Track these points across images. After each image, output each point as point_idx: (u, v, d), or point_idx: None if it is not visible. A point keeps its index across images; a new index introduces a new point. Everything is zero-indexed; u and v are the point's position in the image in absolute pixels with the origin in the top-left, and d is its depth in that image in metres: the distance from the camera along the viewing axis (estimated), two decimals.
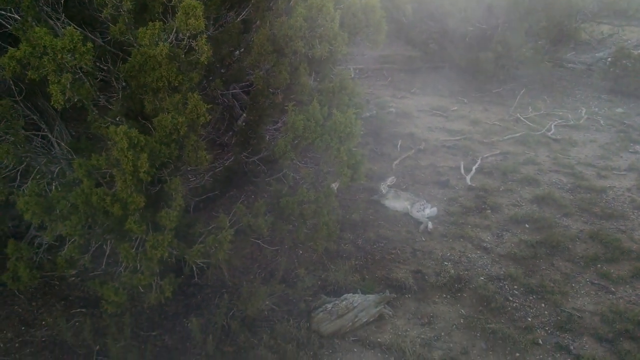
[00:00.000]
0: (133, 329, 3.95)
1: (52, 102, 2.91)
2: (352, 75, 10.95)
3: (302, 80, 4.03)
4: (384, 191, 6.14)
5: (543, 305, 4.54)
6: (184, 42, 3.22)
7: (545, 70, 11.10)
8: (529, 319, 4.36)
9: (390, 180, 6.25)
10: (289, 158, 3.95)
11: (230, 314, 4.13)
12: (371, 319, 4.23)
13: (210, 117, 3.33)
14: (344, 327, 4.11)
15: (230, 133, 6.25)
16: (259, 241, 4.41)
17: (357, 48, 7.21)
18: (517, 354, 3.99)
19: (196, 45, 3.19)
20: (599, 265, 5.11)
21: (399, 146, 7.87)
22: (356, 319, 4.15)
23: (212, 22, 3.85)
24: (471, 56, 10.53)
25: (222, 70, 4.41)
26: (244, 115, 5.16)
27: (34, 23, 3.10)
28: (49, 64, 2.83)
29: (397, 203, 6.05)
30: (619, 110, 9.99)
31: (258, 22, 4.17)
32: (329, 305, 4.18)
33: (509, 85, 10.98)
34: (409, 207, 5.95)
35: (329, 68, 4.35)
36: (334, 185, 5.91)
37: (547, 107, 10.00)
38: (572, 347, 4.07)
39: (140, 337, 3.96)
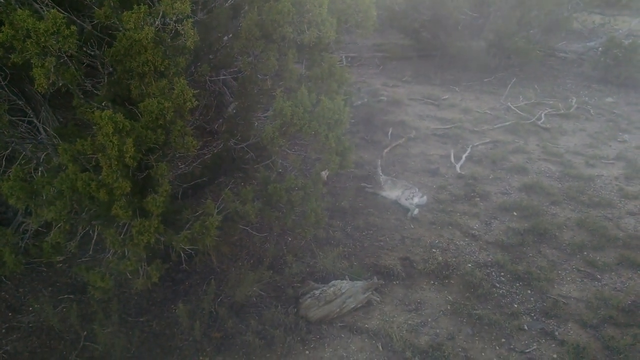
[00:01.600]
0: (121, 315, 3.96)
1: (36, 86, 2.88)
2: (343, 62, 10.92)
3: (290, 66, 4.00)
4: (382, 181, 6.12)
5: (529, 291, 4.59)
6: (170, 27, 3.19)
7: (537, 59, 11.09)
8: (515, 305, 4.41)
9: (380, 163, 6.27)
10: (277, 145, 3.94)
11: (218, 300, 4.15)
12: (359, 305, 4.25)
13: (197, 102, 3.31)
14: (331, 313, 4.13)
15: (220, 120, 6.21)
16: (247, 228, 4.42)
17: (349, 36, 7.18)
18: (503, 340, 4.03)
19: (182, 29, 3.16)
20: (585, 253, 5.16)
21: (389, 134, 7.86)
22: (344, 305, 4.18)
23: (200, 6, 3.81)
24: (463, 45, 10.51)
25: (210, 56, 4.37)
26: (235, 103, 5.13)
27: (17, 6, 3.06)
28: (32, 47, 2.80)
29: (393, 192, 6.04)
30: (609, 99, 10.03)
31: (246, 7, 4.13)
32: (317, 292, 4.19)
33: (500, 74, 10.98)
34: (400, 195, 5.96)
35: (318, 54, 4.32)
36: (324, 174, 5.91)
37: (537, 96, 10.01)
38: (556, 333, 4.12)
39: (127, 322, 3.96)
